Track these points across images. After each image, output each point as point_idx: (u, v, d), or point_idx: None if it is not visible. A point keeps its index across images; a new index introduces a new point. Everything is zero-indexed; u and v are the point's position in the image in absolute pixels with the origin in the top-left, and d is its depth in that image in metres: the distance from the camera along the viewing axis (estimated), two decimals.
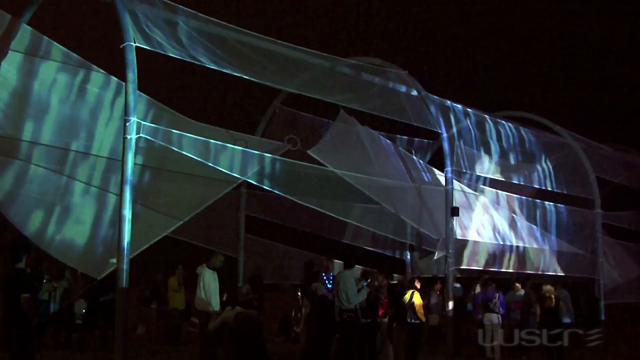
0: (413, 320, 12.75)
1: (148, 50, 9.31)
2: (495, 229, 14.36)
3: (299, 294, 15.49)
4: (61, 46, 10.07)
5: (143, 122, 8.83)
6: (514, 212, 15.21)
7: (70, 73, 10.17)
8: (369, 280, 12.63)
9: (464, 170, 14.08)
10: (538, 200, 16.10)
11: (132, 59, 8.81)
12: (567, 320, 14.79)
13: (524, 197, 15.79)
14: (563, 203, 16.47)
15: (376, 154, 13.25)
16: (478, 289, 15.45)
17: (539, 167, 16.20)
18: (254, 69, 10.79)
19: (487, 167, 14.82)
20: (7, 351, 8.96)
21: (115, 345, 8.60)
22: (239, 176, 10.25)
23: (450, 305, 13.30)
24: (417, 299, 12.89)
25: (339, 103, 12.83)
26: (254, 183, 11.17)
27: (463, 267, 14.10)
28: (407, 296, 12.88)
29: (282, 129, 14.77)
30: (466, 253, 14.07)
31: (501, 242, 14.53)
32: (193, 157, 9.43)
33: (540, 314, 13.91)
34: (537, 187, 16.34)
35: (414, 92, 13.50)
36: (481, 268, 14.76)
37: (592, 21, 39.14)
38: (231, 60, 10.44)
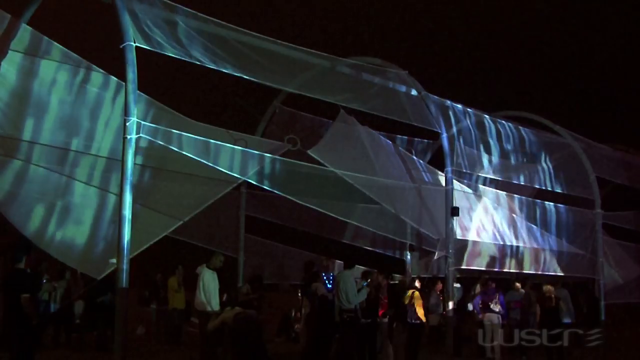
0: (413, 321, 12.75)
1: (148, 50, 9.31)
2: (495, 229, 14.36)
3: (299, 294, 15.50)
4: (61, 46, 10.07)
5: (143, 122, 8.84)
6: (514, 212, 15.21)
7: (70, 73, 10.18)
8: (369, 280, 12.63)
9: (464, 170, 14.07)
10: (538, 200, 16.10)
11: (132, 58, 8.82)
12: (567, 320, 14.76)
13: (524, 197, 15.79)
14: (563, 203, 16.47)
15: (376, 154, 13.25)
16: (478, 289, 15.45)
17: (539, 167, 16.20)
18: (254, 69, 10.80)
19: (487, 167, 14.82)
20: (7, 351, 8.96)
21: (115, 345, 8.59)
22: (239, 176, 10.26)
23: (451, 305, 13.30)
24: (418, 299, 12.89)
25: (339, 103, 12.83)
26: (254, 183, 11.17)
27: (463, 267, 14.10)
28: (407, 296, 12.88)
29: (282, 129, 14.77)
30: (466, 253, 14.06)
31: (501, 242, 14.53)
32: (193, 157, 9.44)
33: (540, 314, 13.90)
34: (537, 187, 16.34)
35: (414, 92, 13.51)
36: (481, 268, 14.75)
37: (592, 21, 39.14)
38: (231, 60, 10.45)
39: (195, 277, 12.20)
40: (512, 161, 15.65)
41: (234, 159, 10.08)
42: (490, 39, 38.23)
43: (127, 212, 8.50)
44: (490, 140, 15.01)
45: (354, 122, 13.43)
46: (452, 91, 16.32)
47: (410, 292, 12.95)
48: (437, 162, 14.68)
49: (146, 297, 17.34)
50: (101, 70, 10.31)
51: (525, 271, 15.32)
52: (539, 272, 15.51)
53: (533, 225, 15.50)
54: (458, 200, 13.38)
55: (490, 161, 14.87)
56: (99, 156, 10.24)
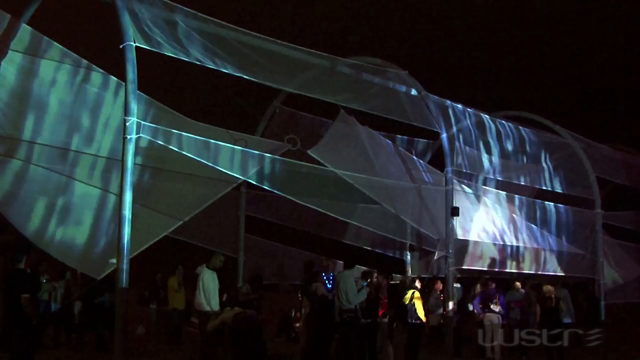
0: (413, 321, 12.74)
1: (148, 50, 9.31)
2: (495, 229, 14.36)
3: (299, 294, 15.49)
4: (61, 46, 10.07)
5: (143, 122, 8.84)
6: (514, 212, 15.21)
7: (69, 73, 10.18)
8: (369, 280, 12.63)
9: (464, 170, 14.07)
10: (538, 200, 16.10)
11: (132, 58, 8.82)
12: (567, 320, 14.78)
13: (524, 197, 15.79)
14: (563, 203, 16.47)
15: (376, 154, 13.25)
16: (478, 289, 15.44)
17: (539, 167, 16.20)
18: (254, 69, 10.80)
19: (487, 167, 14.82)
20: (7, 351, 8.96)
21: (115, 345, 8.59)
22: (239, 176, 10.26)
23: (451, 305, 13.29)
24: (418, 299, 12.88)
25: (339, 103, 12.84)
26: (254, 183, 11.17)
27: (464, 267, 14.10)
28: (407, 296, 12.87)
29: (282, 129, 14.77)
30: (467, 254, 14.06)
31: (501, 243, 14.53)
32: (193, 157, 9.44)
33: (540, 314, 13.89)
34: (538, 187, 16.34)
35: (414, 92, 13.51)
36: (481, 268, 14.75)
37: (592, 21, 39.16)
38: (231, 60, 10.45)
39: (195, 277, 12.19)
40: (512, 161, 15.66)
41: (234, 159, 10.08)
42: (490, 39, 38.24)
43: (127, 212, 8.50)
44: (491, 140, 15.01)
45: (354, 122, 13.43)
46: (452, 91, 16.33)
47: (410, 292, 12.94)
48: (437, 162, 14.68)
49: (146, 297, 17.33)
50: (101, 70, 10.31)
51: (525, 271, 15.32)
52: (539, 272, 15.52)
53: (533, 225, 15.51)
54: (458, 201, 13.37)
55: (490, 161, 14.88)
56: (99, 156, 10.24)
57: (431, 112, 13.39)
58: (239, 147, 10.20)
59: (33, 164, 9.97)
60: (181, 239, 13.46)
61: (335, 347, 12.42)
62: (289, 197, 11.57)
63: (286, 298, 19.56)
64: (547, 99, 34.17)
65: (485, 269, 14.82)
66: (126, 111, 8.69)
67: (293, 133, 13.62)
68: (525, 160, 15.97)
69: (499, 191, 15.30)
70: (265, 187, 11.19)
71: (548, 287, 13.90)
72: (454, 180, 13.49)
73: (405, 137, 17.04)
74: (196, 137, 9.53)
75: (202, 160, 9.53)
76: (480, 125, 14.81)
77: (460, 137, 13.93)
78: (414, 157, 15.02)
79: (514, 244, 14.81)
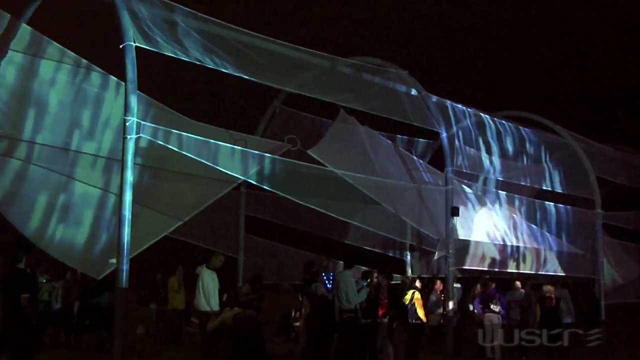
0: (413, 321, 12.73)
1: (148, 50, 9.31)
2: (495, 229, 14.35)
3: (299, 294, 15.49)
4: (60, 46, 10.07)
5: (143, 122, 8.83)
6: (514, 212, 15.20)
7: (69, 73, 10.17)
8: (369, 280, 12.62)
9: (464, 170, 14.07)
10: (538, 200, 16.10)
11: (132, 58, 8.81)
12: (567, 320, 14.78)
13: (524, 197, 15.78)
14: (563, 203, 16.46)
15: (376, 154, 13.25)
16: (478, 289, 15.44)
17: (539, 167, 16.20)
18: (254, 69, 10.79)
19: (487, 167, 14.82)
20: (7, 351, 8.95)
21: (115, 345, 8.58)
22: (239, 176, 10.26)
23: (451, 305, 13.29)
24: (418, 299, 12.88)
25: (339, 103, 12.84)
26: (254, 183, 11.16)
27: (464, 267, 14.10)
28: (407, 296, 12.86)
29: (282, 129, 14.77)
30: (467, 254, 14.06)
31: (501, 243, 14.52)
32: (193, 157, 9.43)
33: (540, 314, 13.89)
34: (538, 187, 16.34)
35: (414, 92, 13.50)
36: (482, 268, 14.74)
37: (593, 21, 39.15)
38: (231, 60, 10.44)
39: (195, 277, 12.20)
40: (512, 161, 15.65)
41: (234, 159, 10.07)
42: (490, 39, 38.25)
43: (127, 212, 8.49)
44: (491, 140, 15.01)
45: (354, 122, 13.43)
46: (452, 91, 16.34)
47: (410, 292, 12.92)
48: (437, 162, 14.67)
49: (146, 297, 17.34)
50: (101, 70, 10.30)
51: (525, 271, 15.31)
52: (539, 272, 15.51)
53: (533, 225, 15.50)
54: (458, 201, 13.37)
55: (490, 161, 14.87)
56: (99, 156, 10.23)
57: (431, 112, 13.39)
58: (239, 147, 10.19)
59: (33, 164, 9.97)
60: (181, 239, 13.47)
61: (335, 347, 12.41)
62: (289, 197, 11.57)
63: (286, 298, 19.56)
64: (547, 99, 34.19)
65: (486, 269, 14.80)
66: (126, 111, 8.68)
67: (293, 133, 13.60)
68: (525, 160, 15.96)
69: (499, 191, 15.29)
70: (265, 187, 11.18)
71: (548, 287, 13.90)
72: (454, 180, 13.48)
73: (405, 137, 17.03)
74: (196, 137, 9.52)
75: (202, 160, 9.52)
76: (480, 125, 14.81)
77: (461, 137, 13.92)
78: (414, 157, 15.02)
79: (514, 244, 14.80)
